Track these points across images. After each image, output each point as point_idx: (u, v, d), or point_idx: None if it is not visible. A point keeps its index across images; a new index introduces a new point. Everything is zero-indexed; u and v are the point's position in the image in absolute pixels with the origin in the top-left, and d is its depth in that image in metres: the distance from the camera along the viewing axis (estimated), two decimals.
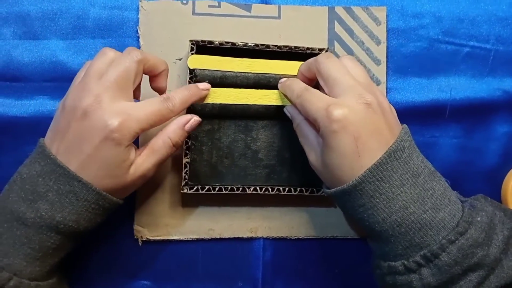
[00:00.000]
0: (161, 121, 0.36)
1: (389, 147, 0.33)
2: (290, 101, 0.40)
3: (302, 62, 0.42)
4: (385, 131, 0.34)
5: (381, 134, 0.34)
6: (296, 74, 0.42)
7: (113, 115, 0.33)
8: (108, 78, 0.34)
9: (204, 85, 0.40)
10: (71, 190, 0.33)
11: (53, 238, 0.33)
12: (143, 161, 0.36)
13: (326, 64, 0.36)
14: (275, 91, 0.42)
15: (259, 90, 0.42)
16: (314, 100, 0.35)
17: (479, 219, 0.33)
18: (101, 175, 0.34)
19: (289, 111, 0.41)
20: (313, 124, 0.36)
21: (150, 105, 0.35)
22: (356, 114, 0.33)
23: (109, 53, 0.36)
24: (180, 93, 0.38)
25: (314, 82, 0.40)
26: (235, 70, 0.42)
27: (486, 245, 0.32)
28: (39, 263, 0.34)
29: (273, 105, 0.43)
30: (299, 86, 0.38)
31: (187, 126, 0.38)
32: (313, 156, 0.37)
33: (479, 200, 0.35)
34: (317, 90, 0.37)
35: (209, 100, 0.41)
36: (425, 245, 0.32)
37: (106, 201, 0.35)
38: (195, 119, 0.39)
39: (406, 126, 0.36)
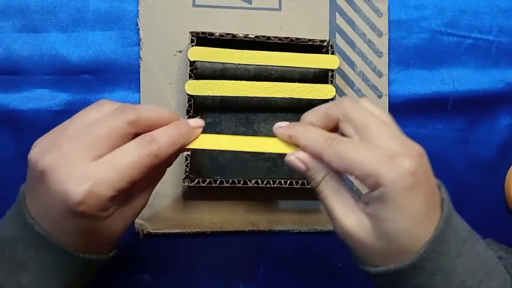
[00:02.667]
0: (145, 173, 0.28)
1: (443, 212, 0.28)
2: (302, 148, 0.31)
3: (303, 54, 0.42)
4: (435, 186, 0.29)
5: (434, 190, 0.28)
6: (297, 66, 0.42)
7: (75, 182, 0.26)
8: (84, 136, 0.27)
9: (196, 122, 0.32)
10: (55, 260, 0.28)
11: None
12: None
13: (357, 111, 0.30)
14: (277, 83, 0.42)
15: (260, 82, 0.42)
16: (362, 150, 0.28)
17: None
18: (82, 242, 0.28)
19: (302, 160, 0.31)
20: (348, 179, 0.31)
21: (125, 156, 0.27)
22: (422, 165, 0.27)
23: (105, 106, 0.29)
24: (167, 132, 0.30)
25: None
26: (236, 62, 0.42)
27: None
28: None
29: (274, 97, 0.42)
30: (322, 133, 0.30)
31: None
32: (353, 221, 0.29)
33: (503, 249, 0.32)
34: (351, 138, 0.29)
35: (210, 93, 0.41)
36: None
37: (96, 263, 0.30)
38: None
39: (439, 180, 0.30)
